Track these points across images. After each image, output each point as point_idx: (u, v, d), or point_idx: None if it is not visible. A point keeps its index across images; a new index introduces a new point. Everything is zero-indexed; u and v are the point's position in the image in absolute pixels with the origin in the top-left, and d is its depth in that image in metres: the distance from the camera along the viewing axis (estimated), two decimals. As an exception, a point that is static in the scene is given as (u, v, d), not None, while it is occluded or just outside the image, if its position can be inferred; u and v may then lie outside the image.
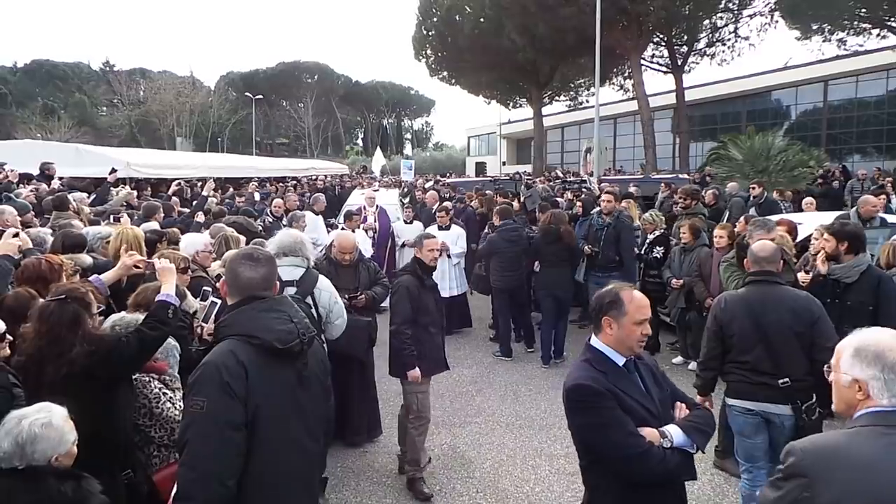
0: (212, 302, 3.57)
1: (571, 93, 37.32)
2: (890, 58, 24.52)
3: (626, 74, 30.61)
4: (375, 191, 11.81)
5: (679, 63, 27.95)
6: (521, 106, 39.28)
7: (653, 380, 2.34)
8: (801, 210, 9.37)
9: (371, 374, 5.12)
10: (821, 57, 26.29)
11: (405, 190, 15.03)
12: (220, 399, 1.96)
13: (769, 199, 9.52)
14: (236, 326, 2.13)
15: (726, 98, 33.26)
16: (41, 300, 2.81)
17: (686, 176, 17.53)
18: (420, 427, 4.33)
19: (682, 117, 27.96)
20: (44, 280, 3.17)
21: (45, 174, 9.40)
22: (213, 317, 3.46)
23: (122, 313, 3.16)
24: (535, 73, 31.86)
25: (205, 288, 3.78)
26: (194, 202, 8.61)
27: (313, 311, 3.82)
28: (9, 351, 2.56)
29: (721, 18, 26.81)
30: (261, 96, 56.42)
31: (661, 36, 27.21)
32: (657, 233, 7.39)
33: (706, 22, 26.74)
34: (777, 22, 25.76)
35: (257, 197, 12.60)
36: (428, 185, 18.31)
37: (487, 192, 12.04)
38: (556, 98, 37.70)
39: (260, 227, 7.40)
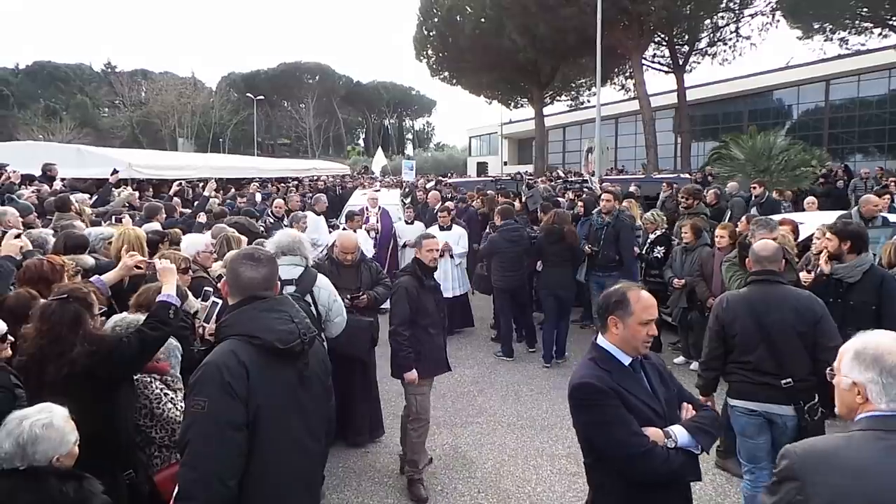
0: (213, 302, 3.57)
1: (573, 93, 37.35)
2: (892, 57, 24.49)
3: (628, 74, 30.62)
4: (377, 191, 11.81)
5: (680, 63, 27.95)
6: (522, 106, 39.34)
7: (659, 380, 2.33)
8: (800, 210, 9.35)
9: (373, 375, 5.13)
10: (822, 56, 26.32)
11: (406, 190, 15.04)
12: (222, 399, 1.96)
13: (770, 198, 9.51)
14: (237, 326, 2.13)
15: (728, 98, 33.22)
16: (42, 300, 2.82)
17: (687, 176, 17.51)
18: (419, 429, 4.31)
19: (683, 117, 27.94)
20: (45, 281, 3.18)
21: (47, 175, 9.41)
22: (214, 317, 3.46)
23: (124, 314, 3.16)
24: (536, 73, 31.87)
25: (206, 288, 3.78)
26: (196, 203, 8.62)
27: (313, 309, 3.84)
28: (10, 352, 2.56)
29: (722, 18, 26.82)
30: (262, 97, 56.52)
31: (663, 35, 27.21)
32: (658, 232, 7.39)
33: (707, 21, 26.75)
34: (778, 21, 25.77)
35: (259, 198, 12.61)
36: (429, 185, 18.31)
37: (489, 192, 12.03)
38: (558, 98, 37.73)
39: (262, 228, 7.41)
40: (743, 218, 6.73)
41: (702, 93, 32.28)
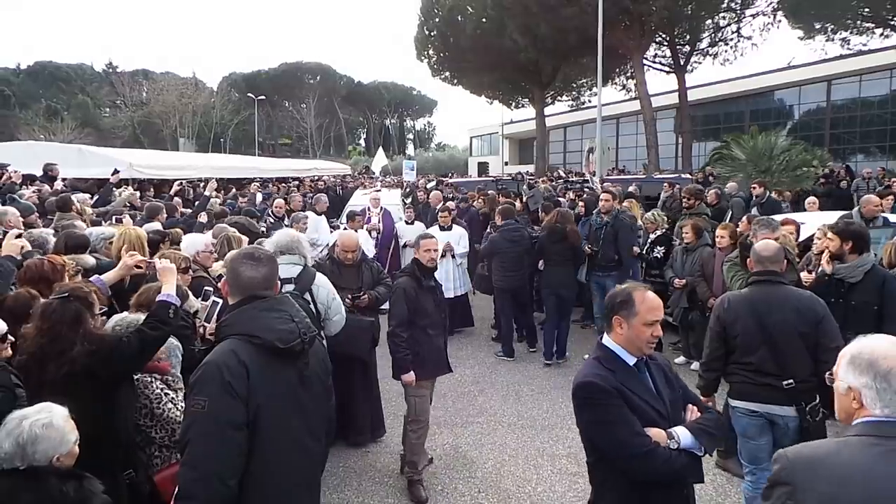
0: (213, 302, 3.57)
1: (574, 93, 37.33)
2: (893, 57, 24.48)
3: (629, 74, 30.61)
4: (378, 191, 11.80)
5: (681, 63, 27.95)
6: (523, 106, 39.32)
7: (664, 381, 2.33)
8: (799, 210, 9.34)
9: (374, 374, 5.13)
10: (824, 56, 26.33)
11: (407, 190, 15.03)
12: (222, 399, 1.96)
13: (770, 198, 9.50)
14: (237, 326, 2.13)
15: (729, 98, 33.19)
16: (43, 300, 2.82)
17: (689, 176, 17.50)
18: (418, 430, 4.30)
19: (684, 117, 27.93)
20: (46, 280, 3.18)
21: (49, 175, 9.43)
22: (214, 316, 3.46)
23: (125, 314, 3.16)
24: (537, 73, 31.86)
25: (206, 288, 3.79)
26: (196, 203, 8.63)
27: (312, 307, 3.86)
28: (10, 351, 2.56)
29: (724, 18, 26.82)
30: (263, 97, 56.57)
31: (664, 36, 27.20)
32: (658, 232, 7.38)
33: (709, 21, 26.75)
34: (780, 21, 25.78)
35: (259, 198, 12.62)
36: (430, 185, 18.30)
37: (490, 192, 12.03)
38: (559, 98, 37.71)
39: (263, 228, 7.42)
40: (744, 218, 6.72)
41: (703, 93, 32.26)
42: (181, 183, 10.36)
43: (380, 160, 22.44)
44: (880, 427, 1.50)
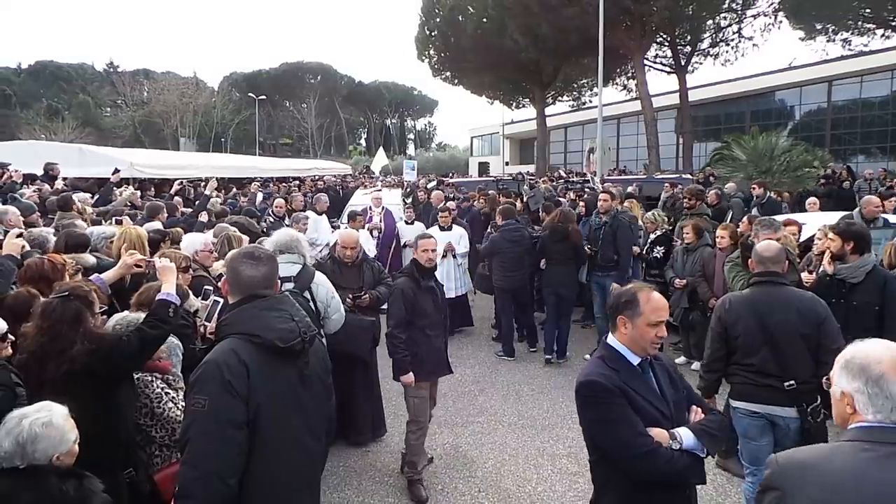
0: (214, 301, 3.57)
1: (574, 93, 37.33)
2: (894, 58, 24.46)
3: (630, 74, 30.63)
4: (379, 191, 11.80)
5: (682, 63, 27.95)
6: (524, 106, 39.32)
7: (668, 381, 2.32)
8: (800, 210, 9.32)
9: (375, 374, 5.13)
10: (825, 57, 26.36)
11: (408, 190, 15.02)
12: (222, 397, 1.96)
13: (771, 199, 9.49)
14: (238, 325, 2.13)
15: (730, 98, 33.19)
16: (43, 299, 2.82)
17: (689, 176, 17.49)
18: (417, 431, 4.29)
19: (685, 117, 27.93)
20: (46, 279, 3.18)
21: (49, 175, 9.43)
22: (215, 316, 3.46)
23: (125, 312, 3.16)
24: (538, 73, 31.86)
25: (206, 287, 3.79)
26: (197, 202, 8.63)
27: (311, 305, 3.88)
28: (10, 350, 2.56)
29: (724, 18, 26.82)
30: (264, 97, 56.56)
31: (665, 36, 27.20)
32: (658, 232, 7.37)
33: (709, 22, 26.74)
34: (781, 22, 25.79)
35: (260, 197, 12.63)
36: (431, 185, 18.29)
37: (490, 191, 12.03)
38: (560, 98, 37.72)
39: (264, 227, 7.42)
40: (745, 218, 6.72)
41: (704, 93, 32.25)
42: (182, 182, 10.37)
43: (380, 160, 22.43)
44: (872, 432, 1.49)
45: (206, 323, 3.54)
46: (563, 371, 6.73)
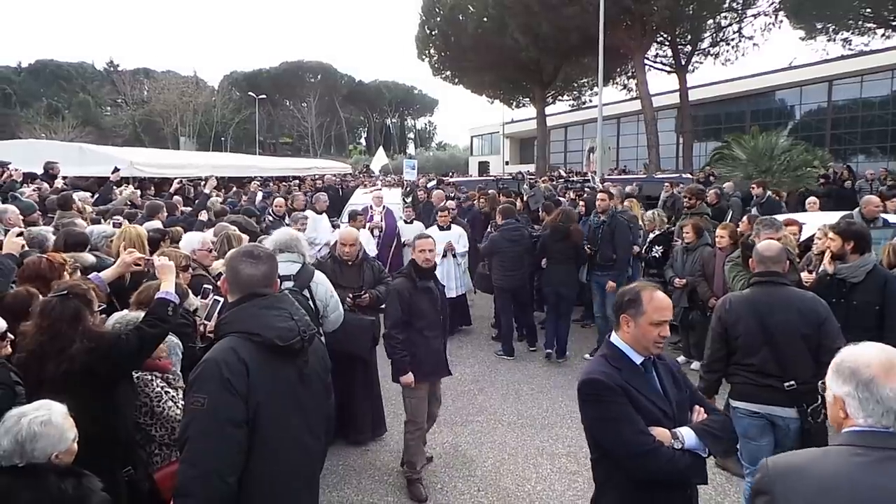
0: (214, 300, 3.57)
1: (575, 92, 37.33)
2: (895, 58, 24.44)
3: (630, 74, 30.61)
4: (380, 190, 11.79)
5: (683, 63, 27.94)
6: (524, 105, 39.32)
7: (672, 381, 2.32)
8: (800, 210, 9.32)
9: (374, 373, 5.12)
10: (825, 57, 26.35)
11: (407, 189, 15.01)
12: (221, 396, 1.96)
13: (770, 199, 9.49)
14: (237, 324, 2.13)
15: (730, 98, 33.17)
16: (42, 297, 2.82)
17: (689, 176, 17.49)
18: (414, 432, 4.27)
19: (685, 117, 27.92)
20: (44, 278, 3.18)
21: (49, 174, 9.44)
22: (215, 314, 3.46)
23: (125, 311, 3.16)
24: (538, 72, 31.85)
25: (205, 286, 3.79)
26: (196, 201, 8.63)
27: (310, 303, 3.88)
28: (10, 349, 2.56)
29: (725, 18, 26.82)
30: (264, 96, 56.56)
31: (665, 35, 27.20)
32: (657, 232, 7.37)
33: (710, 21, 26.74)
34: (781, 22, 25.79)
35: (260, 196, 12.62)
36: (431, 184, 18.28)
37: (490, 191, 12.03)
38: (560, 98, 37.72)
39: (264, 225, 7.41)
40: (744, 218, 6.72)
41: (704, 93, 32.23)
42: (181, 181, 10.37)
43: (380, 159, 22.38)
44: (864, 437, 1.47)
45: (206, 322, 3.54)
46: (563, 370, 6.73)
